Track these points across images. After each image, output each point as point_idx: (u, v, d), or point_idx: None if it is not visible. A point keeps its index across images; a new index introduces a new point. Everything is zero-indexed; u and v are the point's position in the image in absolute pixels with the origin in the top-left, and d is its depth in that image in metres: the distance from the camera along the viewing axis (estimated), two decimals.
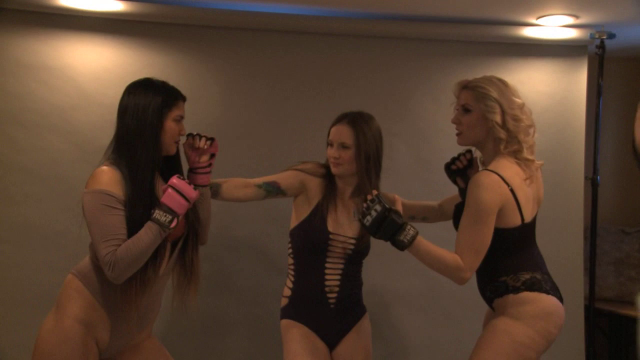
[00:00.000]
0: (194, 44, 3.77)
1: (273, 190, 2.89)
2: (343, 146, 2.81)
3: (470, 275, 2.56)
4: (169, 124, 2.57)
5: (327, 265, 2.85)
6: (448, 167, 2.97)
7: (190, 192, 2.47)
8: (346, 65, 3.90)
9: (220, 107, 3.79)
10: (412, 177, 3.79)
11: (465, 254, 2.52)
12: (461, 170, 2.93)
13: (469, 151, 2.91)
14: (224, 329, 3.76)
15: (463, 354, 2.71)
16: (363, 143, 2.79)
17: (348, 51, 3.89)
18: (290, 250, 2.93)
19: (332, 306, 2.86)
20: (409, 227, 2.53)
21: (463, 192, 2.88)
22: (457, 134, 2.72)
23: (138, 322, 2.63)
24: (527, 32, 3.86)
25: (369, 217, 2.53)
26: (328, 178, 2.90)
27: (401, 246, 2.53)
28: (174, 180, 2.48)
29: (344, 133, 2.81)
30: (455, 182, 2.96)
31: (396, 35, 3.90)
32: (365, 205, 2.55)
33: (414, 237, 2.52)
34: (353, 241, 2.86)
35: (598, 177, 3.93)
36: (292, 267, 2.93)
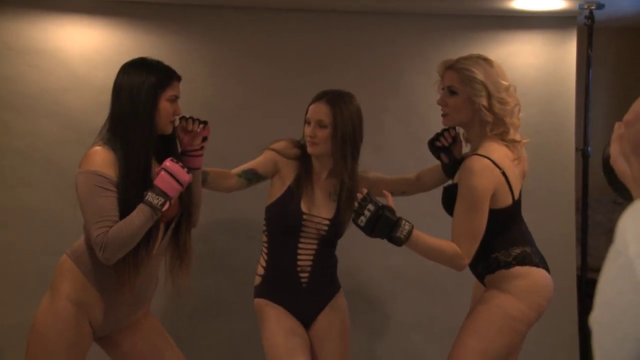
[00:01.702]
0: (184, 24, 3.75)
1: (253, 178, 2.90)
2: (320, 125, 2.76)
3: (469, 262, 2.56)
4: (164, 104, 2.55)
5: (300, 245, 2.84)
6: (432, 144, 2.94)
7: (184, 175, 2.47)
8: (337, 42, 3.87)
9: (210, 87, 3.77)
10: (404, 152, 3.78)
11: (462, 241, 2.52)
12: (445, 147, 2.90)
13: (453, 128, 2.88)
14: (219, 309, 3.77)
15: (456, 327, 2.73)
16: (340, 123, 2.75)
17: (338, 28, 3.86)
18: (265, 228, 2.92)
19: (303, 285, 2.86)
20: (404, 222, 2.50)
21: (447, 168, 2.90)
22: (443, 115, 2.71)
23: (133, 301, 2.65)
24: (516, 4, 3.81)
25: (362, 218, 2.49)
26: (303, 158, 2.87)
27: (399, 242, 2.51)
28: (167, 163, 2.47)
29: (321, 111, 2.77)
30: (439, 157, 2.93)
31: (386, 10, 3.87)
32: (356, 204, 2.52)
33: (410, 232, 2.50)
34: (327, 222, 2.85)
35: (589, 149, 3.92)
36: (265, 244, 2.92)
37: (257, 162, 2.90)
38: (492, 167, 2.52)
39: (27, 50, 3.58)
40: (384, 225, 2.48)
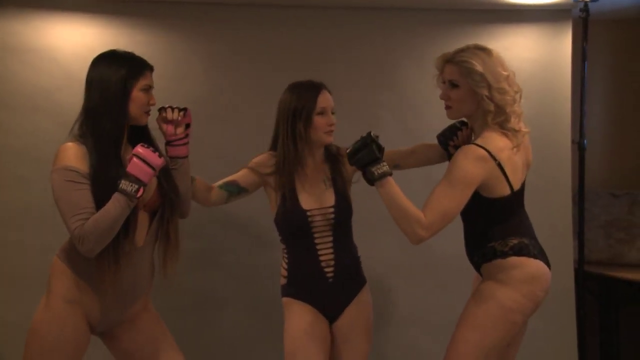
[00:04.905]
0: (178, 21, 3.73)
1: (234, 190, 2.89)
2: (333, 112, 2.83)
3: (427, 237, 2.51)
4: (136, 94, 2.55)
5: (316, 241, 2.85)
6: (444, 142, 2.94)
7: (155, 159, 2.45)
8: (331, 38, 3.86)
9: (205, 86, 3.76)
10: (399, 146, 3.74)
11: (431, 212, 2.48)
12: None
13: (464, 124, 2.87)
14: (216, 305, 3.76)
15: (455, 321, 2.73)
16: None
17: (333, 23, 3.85)
18: (280, 237, 2.95)
19: (330, 280, 2.86)
20: (384, 164, 2.51)
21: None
22: (447, 108, 2.70)
23: (129, 294, 2.66)
24: None
25: (353, 143, 2.54)
26: (284, 166, 2.87)
27: (371, 177, 2.51)
28: (138, 149, 2.45)
29: (330, 99, 2.84)
30: (446, 149, 2.94)
31: (380, 5, 3.86)
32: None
33: (384, 174, 2.50)
34: (332, 210, 2.86)
35: (585, 141, 3.90)
36: (284, 251, 2.94)
37: (238, 176, 2.91)
38: (486, 158, 2.52)
39: (21, 48, 3.57)
40: (366, 155, 2.50)
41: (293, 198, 2.83)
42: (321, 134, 2.82)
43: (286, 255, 2.92)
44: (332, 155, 2.95)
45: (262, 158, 2.92)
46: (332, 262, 2.86)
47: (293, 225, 2.84)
